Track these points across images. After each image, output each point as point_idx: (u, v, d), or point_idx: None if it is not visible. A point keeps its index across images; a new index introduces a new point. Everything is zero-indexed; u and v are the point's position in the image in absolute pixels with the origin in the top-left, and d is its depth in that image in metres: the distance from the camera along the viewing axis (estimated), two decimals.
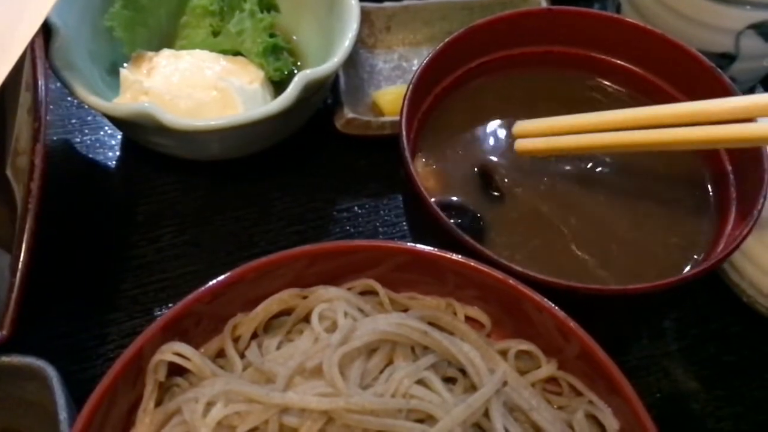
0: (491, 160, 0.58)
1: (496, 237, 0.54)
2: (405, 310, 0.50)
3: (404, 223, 0.71)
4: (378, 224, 0.72)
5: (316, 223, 0.72)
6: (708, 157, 0.59)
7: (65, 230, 0.68)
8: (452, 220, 0.51)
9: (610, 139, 0.53)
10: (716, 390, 0.63)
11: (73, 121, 0.78)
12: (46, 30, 0.63)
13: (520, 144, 0.56)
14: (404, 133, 0.54)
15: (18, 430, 0.53)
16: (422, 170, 0.58)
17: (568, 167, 0.58)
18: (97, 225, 0.70)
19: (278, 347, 0.46)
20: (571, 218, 0.55)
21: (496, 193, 0.56)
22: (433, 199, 0.51)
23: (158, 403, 0.45)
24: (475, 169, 0.58)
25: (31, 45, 0.57)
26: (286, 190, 0.73)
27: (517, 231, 0.55)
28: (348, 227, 0.72)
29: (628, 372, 0.44)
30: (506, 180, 0.57)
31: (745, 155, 0.55)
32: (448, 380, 0.46)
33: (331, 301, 0.47)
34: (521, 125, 0.56)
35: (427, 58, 0.57)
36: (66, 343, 0.63)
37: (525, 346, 0.48)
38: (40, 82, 0.55)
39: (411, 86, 0.56)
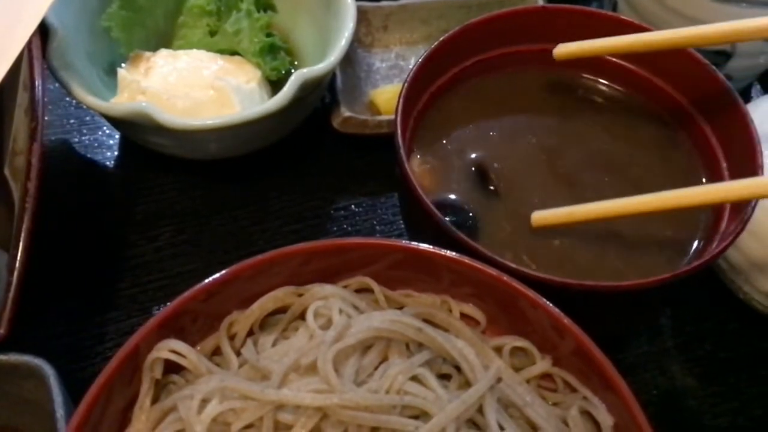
0: (487, 158, 0.59)
1: (491, 234, 0.55)
2: (400, 308, 0.50)
3: (401, 222, 0.71)
4: (375, 223, 0.72)
5: (313, 221, 0.72)
6: (703, 152, 0.59)
7: (64, 230, 0.69)
8: (447, 218, 0.51)
9: (625, 205, 0.52)
10: (713, 387, 0.63)
11: (72, 121, 0.78)
12: (44, 30, 0.63)
13: (537, 219, 0.54)
14: (399, 131, 0.54)
15: (16, 429, 0.54)
16: (418, 168, 0.58)
17: (564, 166, 0.58)
18: (96, 224, 0.71)
19: (274, 344, 0.46)
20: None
21: (492, 187, 0.56)
22: (427, 193, 0.51)
23: (155, 400, 0.45)
24: (471, 167, 0.58)
25: (29, 45, 0.58)
26: (283, 189, 0.74)
27: (512, 228, 0.55)
28: (345, 226, 0.72)
29: (624, 369, 0.44)
30: (502, 177, 0.57)
31: (739, 151, 0.55)
32: (443, 377, 0.46)
33: (327, 298, 0.47)
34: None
35: (422, 57, 0.57)
36: (64, 342, 0.63)
37: (520, 342, 0.48)
38: (37, 82, 0.56)
39: (406, 84, 0.56)
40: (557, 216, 0.54)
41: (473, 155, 0.59)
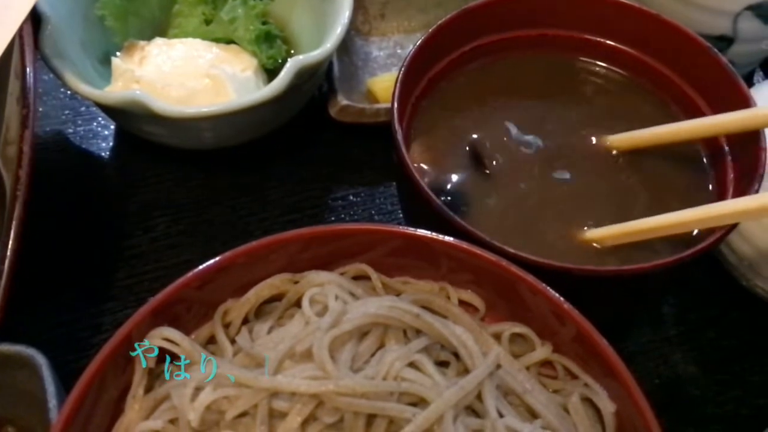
0: (485, 144, 0.58)
1: (486, 217, 0.54)
2: (398, 295, 0.49)
3: (400, 212, 0.70)
4: (374, 212, 0.72)
5: (311, 212, 0.71)
6: (705, 138, 0.58)
7: (59, 221, 0.68)
8: (443, 198, 0.50)
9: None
10: (716, 375, 0.62)
11: (66, 112, 0.77)
12: (36, 18, 0.63)
13: (591, 234, 0.53)
14: (396, 116, 0.53)
15: (10, 420, 0.53)
16: (415, 155, 0.57)
17: (561, 149, 0.57)
18: (91, 215, 0.70)
19: (269, 332, 0.46)
20: (566, 199, 0.55)
21: (487, 171, 0.56)
22: (426, 179, 0.50)
23: (148, 389, 0.44)
24: (469, 152, 0.57)
25: (20, 33, 0.57)
26: (281, 179, 0.73)
27: (507, 212, 0.54)
28: (343, 216, 0.71)
29: (627, 358, 0.43)
30: (500, 162, 0.56)
31: (743, 135, 0.54)
32: (441, 364, 0.45)
33: (323, 285, 0.47)
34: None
35: (419, 42, 0.57)
36: (60, 333, 0.62)
37: (519, 329, 0.47)
38: (28, 69, 0.55)
39: (403, 70, 0.55)
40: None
41: (471, 141, 0.58)
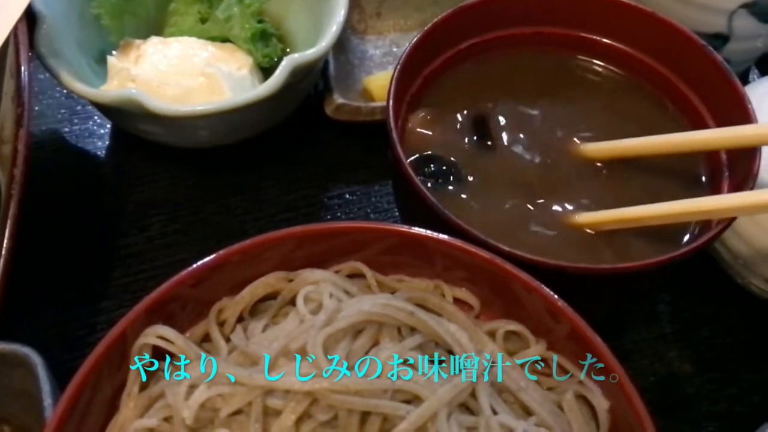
0: (488, 124, 0.58)
1: (484, 211, 0.54)
2: (393, 293, 0.49)
3: (396, 210, 0.71)
4: (369, 211, 0.72)
5: (307, 210, 0.71)
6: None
7: (55, 220, 0.68)
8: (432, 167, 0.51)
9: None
10: (711, 372, 0.62)
11: (63, 111, 0.77)
12: (31, 17, 0.62)
13: (582, 217, 0.54)
14: (392, 113, 0.53)
15: (6, 419, 0.53)
16: (410, 152, 0.57)
17: (557, 147, 0.58)
18: (87, 214, 0.70)
19: (264, 330, 0.46)
20: (561, 194, 0.55)
21: (489, 143, 0.56)
22: (420, 177, 0.51)
23: (143, 387, 0.44)
24: (471, 122, 0.57)
25: (14, 32, 0.57)
26: (276, 177, 0.73)
27: (506, 203, 0.55)
28: (339, 214, 0.71)
29: (622, 356, 0.43)
30: (496, 155, 0.56)
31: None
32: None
33: (317, 283, 0.47)
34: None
35: (415, 39, 0.57)
36: (56, 333, 0.62)
37: (513, 326, 0.47)
38: (23, 68, 0.55)
39: (399, 67, 0.55)
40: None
41: (467, 139, 0.58)
